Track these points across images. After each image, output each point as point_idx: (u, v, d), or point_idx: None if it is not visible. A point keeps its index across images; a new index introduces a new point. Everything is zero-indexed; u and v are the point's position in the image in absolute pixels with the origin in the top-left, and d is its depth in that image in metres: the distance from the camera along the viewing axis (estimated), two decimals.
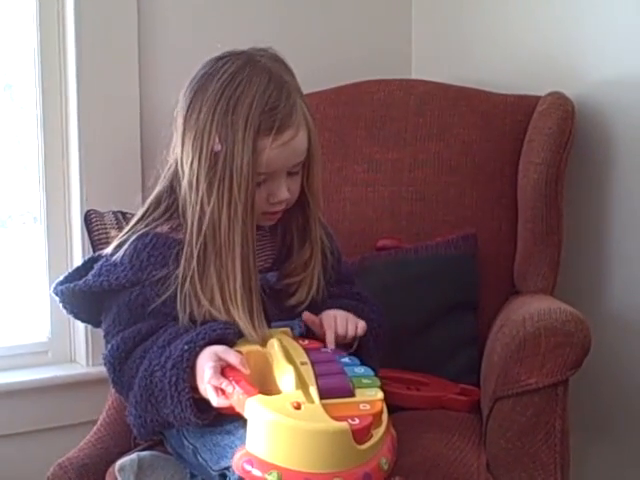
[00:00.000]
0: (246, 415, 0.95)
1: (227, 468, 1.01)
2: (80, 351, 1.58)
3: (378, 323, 1.20)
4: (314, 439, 0.91)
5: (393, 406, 1.10)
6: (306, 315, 1.14)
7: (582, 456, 1.48)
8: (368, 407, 0.98)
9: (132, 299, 1.09)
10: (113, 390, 1.29)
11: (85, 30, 1.51)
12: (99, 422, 1.30)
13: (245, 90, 1.06)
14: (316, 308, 1.17)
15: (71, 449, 1.27)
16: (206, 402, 1.01)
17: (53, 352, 1.59)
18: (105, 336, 1.13)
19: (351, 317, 1.15)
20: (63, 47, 1.53)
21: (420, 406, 1.33)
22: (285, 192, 1.11)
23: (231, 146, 1.05)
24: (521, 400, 1.17)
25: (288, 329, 1.12)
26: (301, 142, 1.11)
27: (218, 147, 1.06)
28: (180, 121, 1.10)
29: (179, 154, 1.10)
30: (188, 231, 1.09)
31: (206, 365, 1.00)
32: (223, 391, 0.98)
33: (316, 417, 0.93)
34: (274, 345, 1.04)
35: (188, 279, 1.07)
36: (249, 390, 0.96)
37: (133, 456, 1.14)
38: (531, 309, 1.24)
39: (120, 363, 1.08)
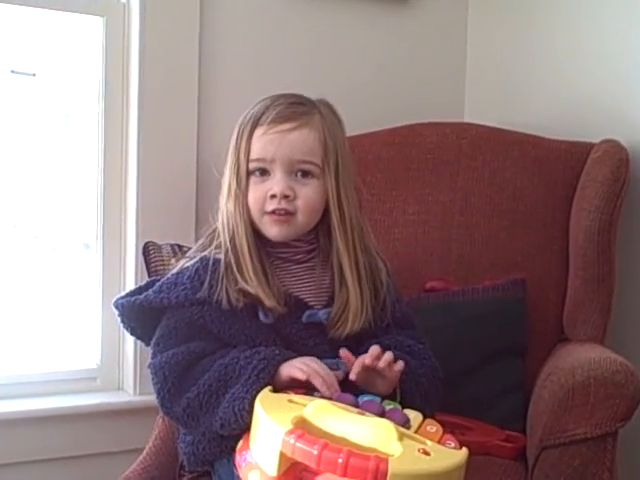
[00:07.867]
0: None
1: None
2: (128, 379, 1.60)
3: (427, 377, 1.14)
4: (462, 471, 0.91)
5: None
6: (343, 352, 1.11)
7: None
8: (434, 428, 0.97)
9: (194, 319, 1.10)
10: (160, 420, 1.32)
11: (148, 69, 1.55)
12: (145, 451, 1.31)
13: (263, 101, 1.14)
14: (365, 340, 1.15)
15: (116, 476, 1.28)
16: None
17: (102, 379, 1.61)
18: (155, 345, 1.12)
19: (388, 354, 1.08)
20: (127, 84, 1.58)
21: None
22: (280, 185, 1.10)
23: (239, 141, 1.13)
24: (568, 450, 1.15)
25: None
26: (303, 139, 1.10)
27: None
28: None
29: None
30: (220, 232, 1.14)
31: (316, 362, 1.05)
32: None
33: (445, 452, 0.92)
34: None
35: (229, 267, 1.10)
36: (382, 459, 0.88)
37: None
38: (581, 358, 1.23)
39: (177, 373, 1.08)
